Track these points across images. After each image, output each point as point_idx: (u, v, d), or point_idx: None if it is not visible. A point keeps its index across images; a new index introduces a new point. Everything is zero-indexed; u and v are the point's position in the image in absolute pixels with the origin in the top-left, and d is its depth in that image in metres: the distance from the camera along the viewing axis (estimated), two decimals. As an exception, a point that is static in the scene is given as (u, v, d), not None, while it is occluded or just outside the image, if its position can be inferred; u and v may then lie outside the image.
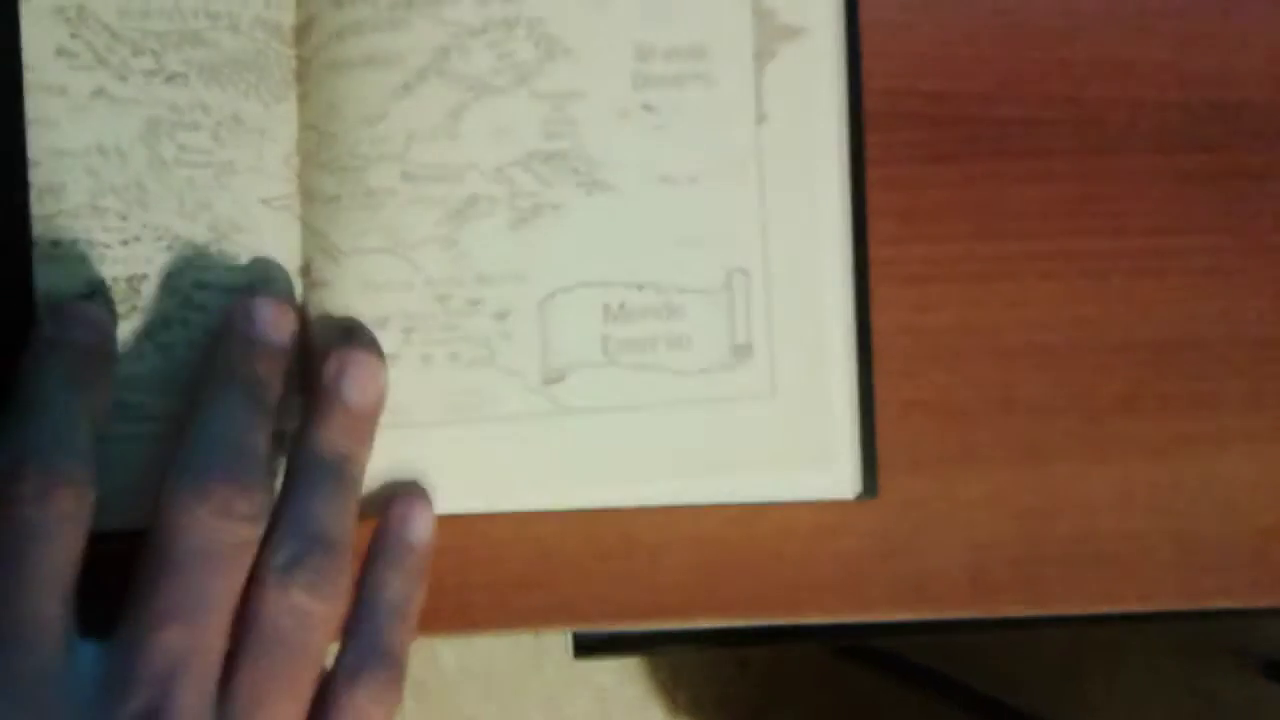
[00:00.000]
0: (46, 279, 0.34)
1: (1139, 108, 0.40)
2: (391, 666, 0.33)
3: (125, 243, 0.35)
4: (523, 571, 0.38)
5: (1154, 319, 0.40)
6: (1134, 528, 0.39)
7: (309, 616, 0.32)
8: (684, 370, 0.36)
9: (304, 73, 0.36)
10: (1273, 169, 0.40)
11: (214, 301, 0.35)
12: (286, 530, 0.33)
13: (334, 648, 0.34)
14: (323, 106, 0.36)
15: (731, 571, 0.39)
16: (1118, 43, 0.40)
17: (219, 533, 0.31)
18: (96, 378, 0.33)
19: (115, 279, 0.35)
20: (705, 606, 0.39)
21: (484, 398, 0.36)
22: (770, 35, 0.36)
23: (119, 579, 0.33)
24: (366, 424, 0.35)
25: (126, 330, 0.35)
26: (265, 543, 0.33)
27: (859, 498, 0.37)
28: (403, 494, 0.35)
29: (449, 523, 0.37)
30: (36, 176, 0.34)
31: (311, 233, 0.36)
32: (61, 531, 0.31)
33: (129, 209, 0.35)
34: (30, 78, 0.34)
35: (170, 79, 0.35)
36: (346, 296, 0.36)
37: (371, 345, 0.35)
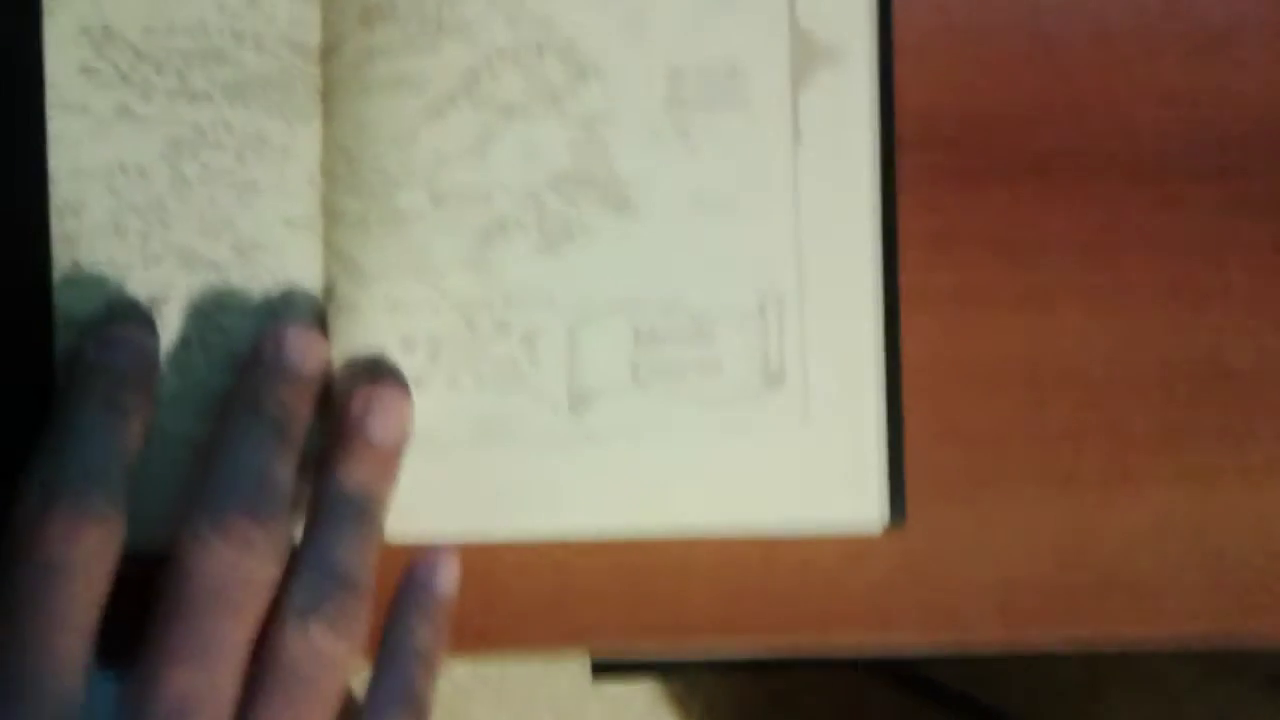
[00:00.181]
0: (66, 299, 0.34)
1: (1179, 135, 0.39)
2: (417, 713, 0.33)
3: (146, 263, 0.34)
4: (543, 594, 0.38)
5: (1189, 349, 0.39)
6: (1166, 559, 0.39)
7: (328, 658, 0.31)
8: (714, 397, 0.36)
9: (330, 92, 0.35)
10: (1313, 198, 0.39)
11: (235, 323, 0.35)
12: (308, 569, 0.32)
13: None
14: (349, 127, 0.35)
15: (756, 598, 0.38)
16: (1159, 69, 0.39)
17: (238, 570, 0.31)
18: (136, 404, 0.33)
19: (136, 300, 0.34)
20: (728, 634, 0.38)
21: (510, 422, 0.35)
22: (807, 57, 0.35)
23: (131, 602, 0.32)
24: (391, 461, 0.34)
25: (147, 353, 0.34)
26: (285, 580, 0.32)
27: (887, 526, 0.37)
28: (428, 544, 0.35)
29: (472, 545, 0.36)
30: (57, 195, 0.34)
31: (335, 254, 0.35)
32: (88, 570, 0.30)
33: (150, 229, 0.34)
34: (53, 96, 0.33)
35: (194, 98, 0.34)
36: (372, 319, 0.35)
37: (397, 380, 0.35)
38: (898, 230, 0.37)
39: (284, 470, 0.33)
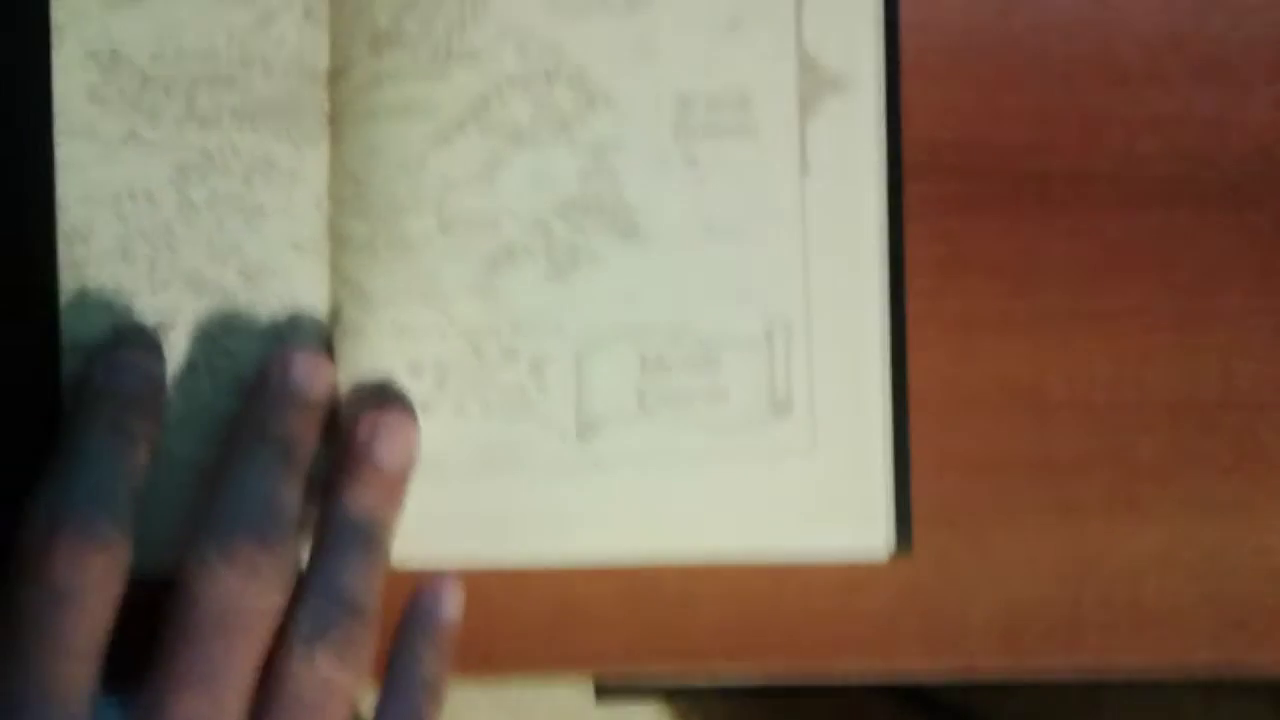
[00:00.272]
0: (73, 324, 0.34)
1: (1185, 162, 0.39)
2: None
3: (154, 288, 0.34)
4: (548, 618, 0.38)
5: (1197, 377, 0.39)
6: (1173, 590, 0.39)
7: (334, 685, 0.31)
8: (721, 424, 0.36)
9: (337, 116, 0.35)
10: (1320, 226, 0.39)
11: (242, 347, 0.35)
12: (314, 596, 0.32)
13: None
14: (357, 152, 0.35)
15: (761, 625, 0.38)
16: (1164, 96, 0.39)
17: (244, 597, 0.31)
18: (142, 430, 0.33)
19: (143, 324, 0.34)
20: (733, 659, 0.38)
21: (517, 448, 0.35)
22: (815, 86, 0.35)
23: (137, 626, 0.32)
24: (398, 486, 0.34)
25: (154, 377, 0.34)
26: (291, 607, 0.32)
27: (893, 554, 0.37)
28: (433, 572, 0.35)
29: (477, 570, 0.36)
30: (65, 221, 0.33)
31: (342, 279, 0.35)
32: (93, 597, 0.30)
33: (158, 254, 0.34)
34: (61, 122, 0.33)
35: (202, 123, 0.34)
36: (379, 344, 0.35)
37: (403, 405, 0.35)
38: (904, 257, 0.37)
39: (290, 495, 0.32)
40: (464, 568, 0.36)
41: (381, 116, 0.35)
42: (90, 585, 0.30)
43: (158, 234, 0.34)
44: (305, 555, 0.34)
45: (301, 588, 0.32)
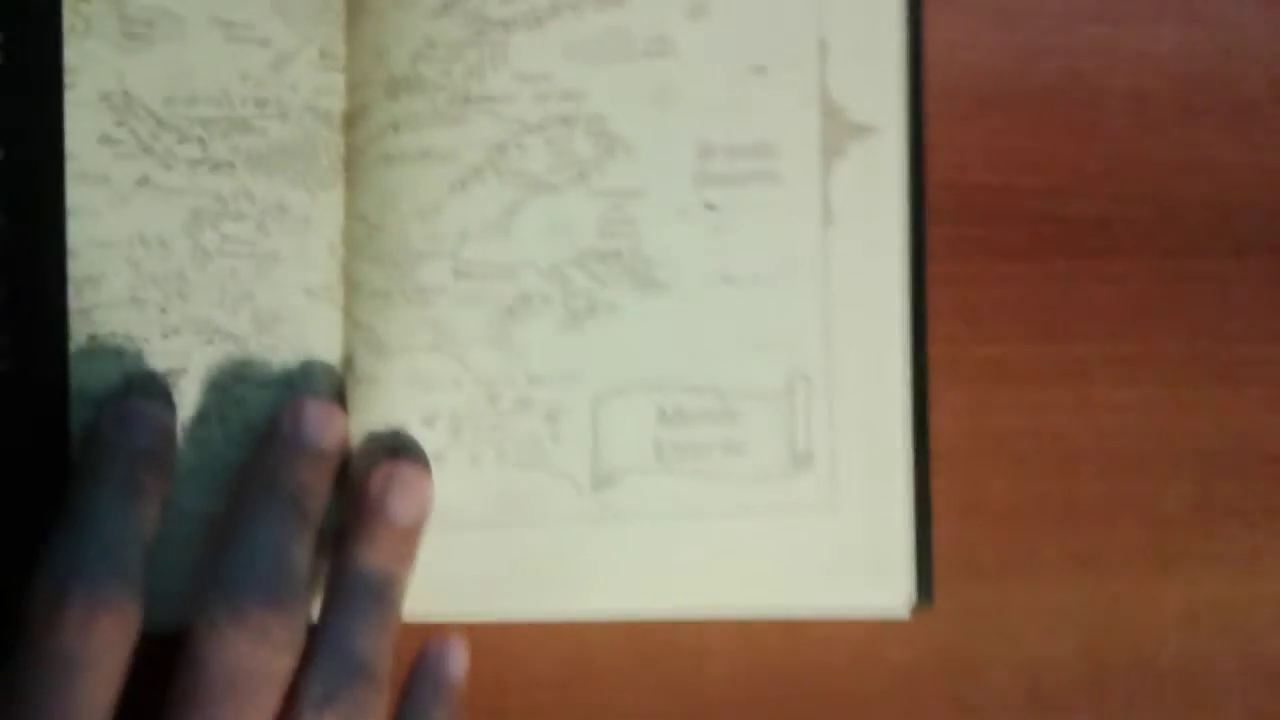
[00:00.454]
0: (83, 373, 0.33)
1: (1217, 208, 0.38)
2: None
3: (165, 335, 0.34)
4: (560, 672, 0.37)
5: (1227, 429, 0.38)
6: (1200, 647, 0.38)
7: (343, 750, 0.31)
8: (740, 478, 0.35)
9: (353, 161, 0.35)
10: (1355, 276, 0.38)
11: (253, 396, 0.34)
12: (325, 658, 0.31)
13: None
14: (373, 198, 0.34)
15: (778, 681, 0.37)
16: (1196, 139, 0.38)
17: (253, 661, 0.30)
18: (154, 484, 0.32)
19: (153, 373, 0.34)
20: (748, 715, 0.37)
21: (532, 500, 0.35)
22: (839, 133, 0.35)
23: (143, 682, 0.31)
24: (410, 541, 0.33)
25: (164, 426, 0.34)
26: (302, 667, 0.31)
27: (914, 608, 0.36)
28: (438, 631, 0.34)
29: (489, 623, 0.36)
30: (76, 268, 0.33)
31: (355, 326, 0.35)
32: (102, 663, 0.29)
33: (169, 301, 0.34)
34: (72, 167, 0.33)
35: (216, 167, 0.34)
36: (392, 393, 0.35)
37: (417, 457, 0.34)
38: (927, 307, 0.36)
39: (301, 552, 0.32)
40: (476, 621, 0.35)
41: (397, 162, 0.34)
42: (100, 651, 0.29)
43: (169, 280, 0.34)
44: (315, 607, 0.33)
45: (312, 648, 0.31)
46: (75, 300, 0.33)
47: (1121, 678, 0.38)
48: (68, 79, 0.33)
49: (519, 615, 0.35)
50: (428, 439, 0.35)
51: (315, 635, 0.32)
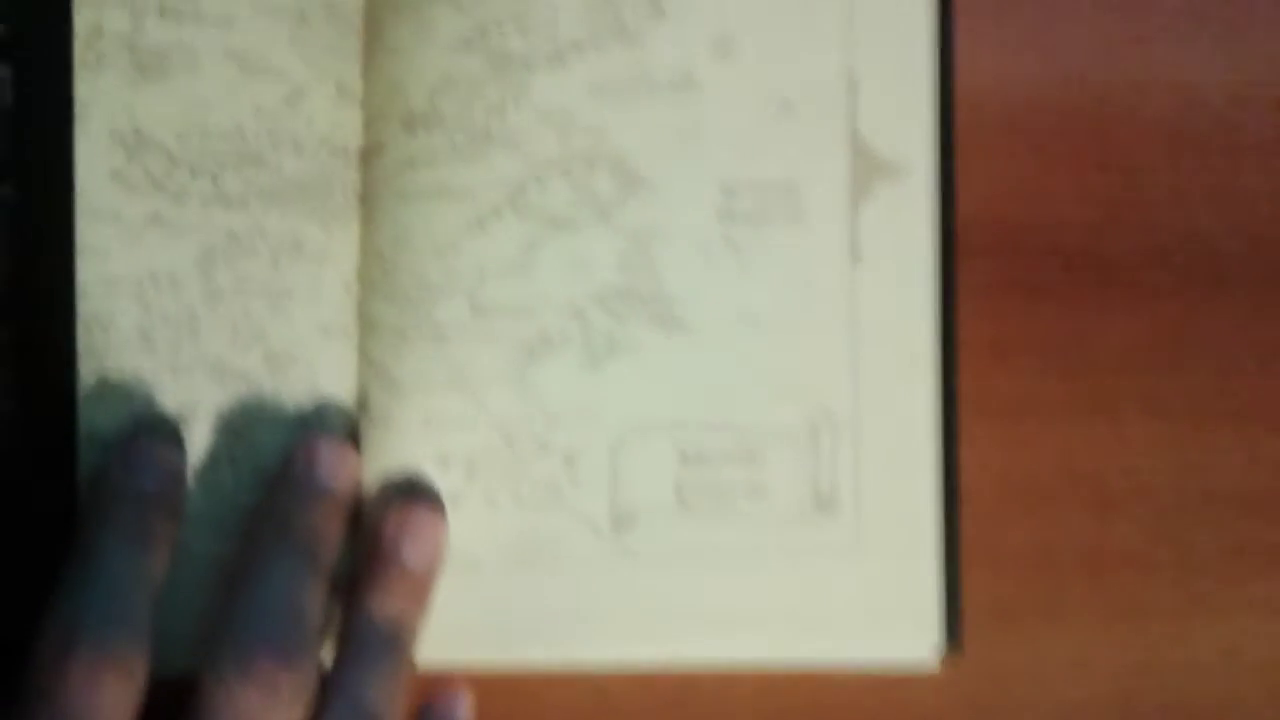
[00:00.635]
0: (91, 414, 0.32)
1: (1254, 241, 0.37)
2: None
3: (175, 376, 0.33)
4: (574, 717, 0.36)
5: (1263, 467, 0.37)
6: (1238, 693, 0.37)
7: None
8: (762, 520, 0.34)
9: (369, 197, 0.34)
10: (1397, 313, 0.37)
11: (265, 437, 0.34)
12: (336, 709, 0.31)
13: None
14: (389, 235, 0.34)
15: (803, 727, 0.37)
16: (1232, 171, 0.37)
17: (262, 715, 0.29)
18: (162, 529, 0.31)
19: (163, 414, 0.33)
20: (770, 764, 0.37)
21: (549, 542, 0.34)
22: (868, 172, 0.34)
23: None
24: (425, 588, 0.33)
25: (175, 467, 0.33)
26: (314, 718, 0.31)
27: (943, 657, 0.35)
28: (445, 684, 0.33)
29: (504, 671, 0.35)
30: (85, 307, 0.32)
31: (370, 364, 0.34)
32: (109, 717, 0.29)
33: (180, 340, 0.33)
34: (82, 204, 0.32)
35: (229, 204, 0.33)
36: (407, 433, 0.34)
37: (432, 500, 0.33)
38: (956, 347, 0.35)
39: (313, 601, 0.31)
40: (490, 668, 0.34)
41: (415, 199, 0.33)
42: (105, 706, 0.29)
43: (181, 320, 0.33)
44: (327, 650, 0.33)
45: (324, 698, 0.31)
46: (84, 340, 0.32)
47: (1155, 726, 0.37)
48: (78, 114, 0.32)
49: (535, 663, 0.34)
50: (443, 480, 0.34)
51: (327, 685, 0.31)
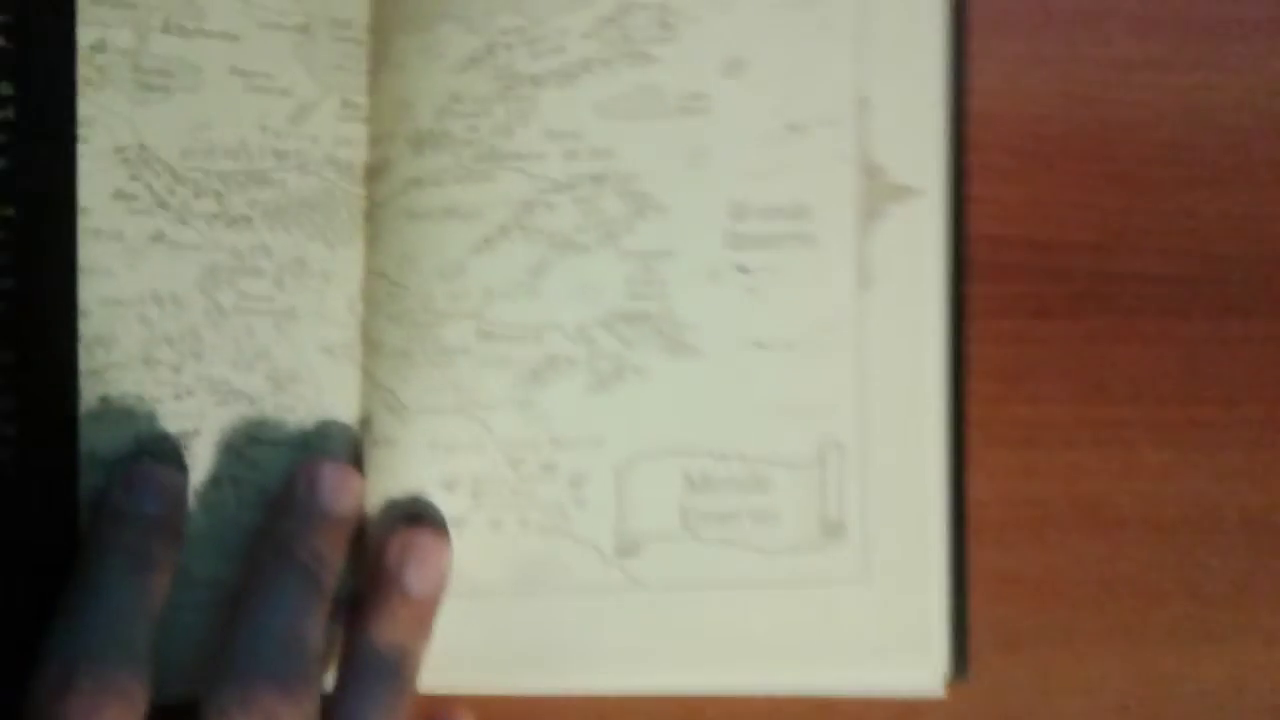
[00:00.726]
0: (93, 436, 0.32)
1: (1267, 264, 0.37)
2: None
3: (177, 396, 0.33)
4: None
5: (1274, 495, 0.37)
6: (1246, 724, 0.37)
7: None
8: (769, 548, 0.34)
9: (374, 215, 0.34)
10: None
11: (267, 458, 0.33)
12: (339, 738, 0.30)
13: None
14: (394, 255, 0.33)
15: (807, 752, 0.36)
16: (1248, 196, 0.37)
17: None
18: (163, 554, 0.31)
19: (165, 435, 0.33)
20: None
21: (554, 568, 0.34)
22: (879, 195, 0.33)
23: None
24: (428, 613, 0.32)
25: (176, 489, 0.33)
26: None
27: (949, 683, 0.35)
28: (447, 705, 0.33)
29: (508, 696, 0.34)
30: (87, 327, 0.32)
31: (375, 386, 0.34)
32: None
33: (183, 360, 0.33)
34: (85, 223, 0.32)
35: (233, 222, 0.33)
36: (412, 456, 0.33)
37: (435, 525, 0.33)
38: (966, 372, 0.35)
39: (314, 626, 0.31)
40: (493, 694, 0.34)
41: (421, 218, 0.33)
42: None
43: (183, 340, 0.33)
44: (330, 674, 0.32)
45: (325, 723, 0.30)
46: (86, 361, 0.32)
47: (1163, 756, 0.37)
48: (81, 132, 0.32)
49: (538, 689, 0.34)
50: (448, 504, 0.33)
51: (328, 711, 0.31)
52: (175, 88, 0.32)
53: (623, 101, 0.33)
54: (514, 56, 0.33)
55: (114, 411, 0.32)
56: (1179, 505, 0.37)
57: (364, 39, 0.34)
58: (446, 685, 0.34)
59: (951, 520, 0.34)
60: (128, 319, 0.32)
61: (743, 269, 0.33)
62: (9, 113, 0.31)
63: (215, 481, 0.33)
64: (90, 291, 0.32)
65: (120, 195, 0.32)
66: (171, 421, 0.33)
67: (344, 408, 0.34)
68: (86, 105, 0.32)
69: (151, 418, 0.32)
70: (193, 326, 0.33)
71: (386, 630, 0.32)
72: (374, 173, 0.34)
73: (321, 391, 0.33)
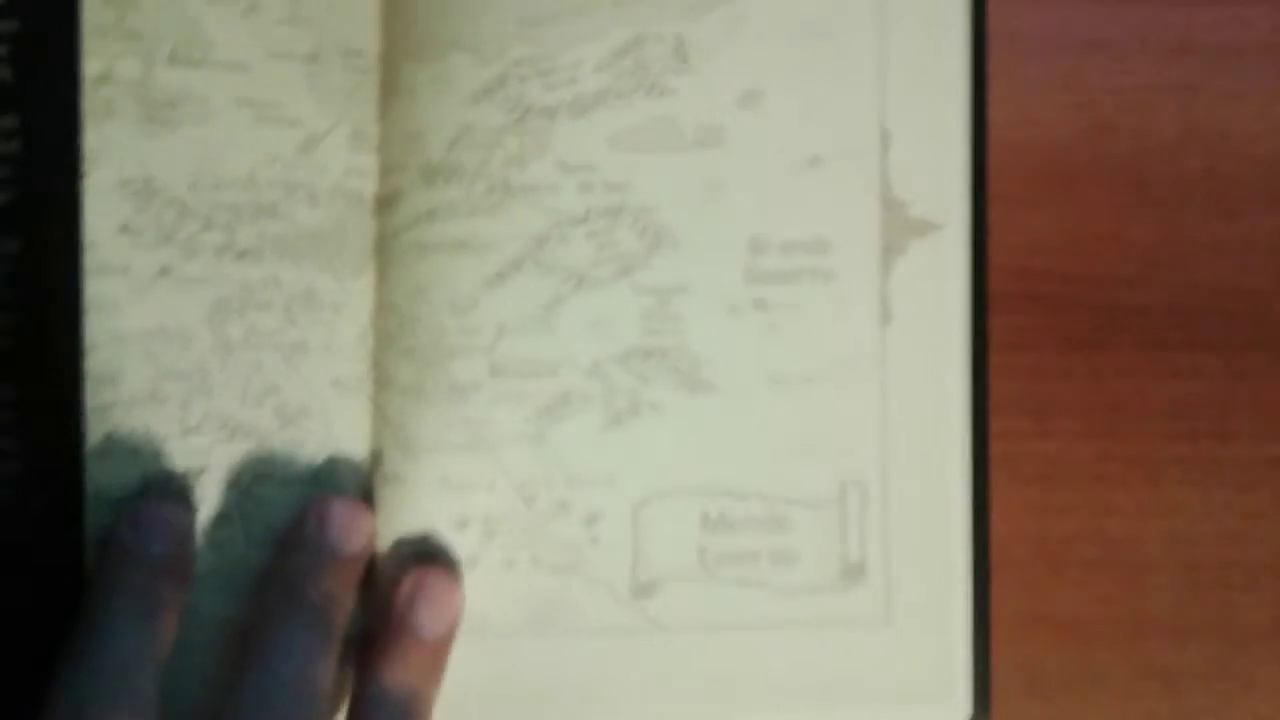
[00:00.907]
0: (99, 474, 0.31)
1: (1298, 300, 0.36)
2: None
3: (185, 433, 0.32)
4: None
5: (1306, 536, 0.36)
6: (1277, 770, 0.36)
7: None
8: (788, 589, 0.33)
9: (385, 248, 0.33)
10: None
11: (275, 495, 0.32)
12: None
13: None
14: (405, 288, 0.33)
15: (825, 791, 0.35)
16: (1274, 223, 0.36)
17: None
18: (171, 595, 0.30)
19: (172, 472, 0.32)
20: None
21: (568, 608, 0.33)
22: (900, 229, 0.33)
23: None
24: (440, 656, 0.32)
25: (182, 527, 0.32)
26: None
27: (971, 725, 0.34)
28: None
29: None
30: (93, 364, 0.31)
31: (385, 422, 0.33)
32: None
33: (190, 396, 0.32)
34: (91, 257, 0.31)
35: (241, 255, 0.32)
36: (423, 494, 0.33)
37: (447, 564, 0.32)
38: (989, 409, 0.34)
39: (325, 670, 0.30)
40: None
41: (432, 252, 0.32)
42: None
43: (191, 375, 0.32)
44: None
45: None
46: (92, 397, 0.31)
47: (1191, 800, 0.36)
48: (87, 165, 0.31)
49: (552, 730, 0.33)
50: (460, 543, 0.33)
51: (338, 760, 0.30)
52: (182, 119, 0.32)
53: (638, 134, 0.32)
54: (527, 88, 0.32)
55: (120, 449, 0.32)
56: (1208, 544, 0.36)
57: (375, 68, 0.33)
58: (457, 729, 0.33)
59: (974, 560, 0.34)
60: (134, 354, 0.32)
61: (761, 304, 0.32)
62: (13, 145, 0.31)
63: (224, 519, 0.32)
64: (96, 327, 0.31)
65: (127, 229, 0.31)
66: (179, 459, 0.32)
67: (354, 443, 0.33)
68: (92, 138, 0.31)
69: (158, 455, 0.32)
70: (200, 361, 0.32)
71: (398, 672, 0.31)
72: (385, 204, 0.33)
73: (331, 427, 0.33)
